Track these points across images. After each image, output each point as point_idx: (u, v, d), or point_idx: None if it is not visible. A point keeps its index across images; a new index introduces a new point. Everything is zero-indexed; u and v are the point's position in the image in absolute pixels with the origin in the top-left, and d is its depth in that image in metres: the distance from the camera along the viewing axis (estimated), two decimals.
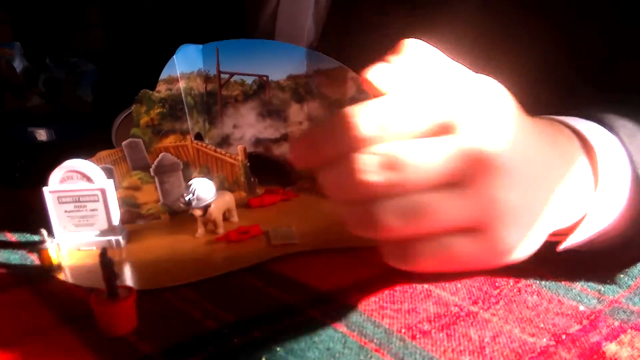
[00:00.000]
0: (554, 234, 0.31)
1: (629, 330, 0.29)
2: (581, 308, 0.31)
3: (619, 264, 0.34)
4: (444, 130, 0.27)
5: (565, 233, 0.32)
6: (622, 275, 0.34)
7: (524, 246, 0.29)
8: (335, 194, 0.28)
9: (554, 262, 0.33)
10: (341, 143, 0.27)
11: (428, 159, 0.26)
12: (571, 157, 0.30)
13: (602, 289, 0.33)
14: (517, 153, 0.27)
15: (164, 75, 0.45)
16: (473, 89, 0.28)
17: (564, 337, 0.28)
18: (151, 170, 0.45)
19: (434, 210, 0.27)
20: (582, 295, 0.32)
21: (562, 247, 0.32)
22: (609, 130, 0.32)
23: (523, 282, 0.34)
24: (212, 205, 0.41)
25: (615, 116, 0.32)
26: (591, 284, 0.33)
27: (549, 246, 0.31)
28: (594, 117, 0.32)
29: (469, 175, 0.26)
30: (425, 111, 0.27)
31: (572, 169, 0.30)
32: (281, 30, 0.55)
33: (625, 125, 0.32)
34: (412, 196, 0.27)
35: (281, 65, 0.48)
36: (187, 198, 0.40)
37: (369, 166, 0.26)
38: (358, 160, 0.26)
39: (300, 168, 0.31)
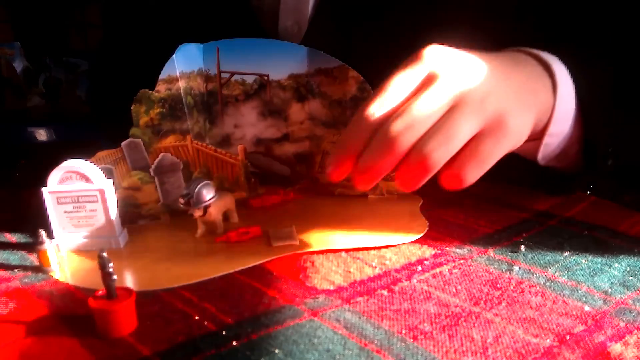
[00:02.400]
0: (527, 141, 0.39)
1: (635, 331, 0.28)
2: (586, 308, 0.30)
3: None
4: (430, 80, 0.35)
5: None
6: (630, 278, 0.34)
7: (522, 128, 0.36)
8: (380, 166, 0.34)
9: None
10: (366, 133, 0.34)
11: (429, 101, 0.34)
12: (535, 72, 0.40)
13: (609, 290, 0.32)
14: (489, 73, 0.36)
15: (163, 74, 0.44)
16: (447, 52, 0.36)
17: (568, 337, 0.28)
18: (151, 170, 0.44)
19: (456, 129, 0.33)
20: (588, 296, 0.32)
21: (542, 151, 0.42)
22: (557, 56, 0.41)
23: (526, 283, 0.33)
24: (212, 206, 0.41)
25: (555, 51, 0.42)
26: (598, 284, 0.33)
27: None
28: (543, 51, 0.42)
29: (460, 96, 0.34)
30: (415, 73, 0.35)
31: (537, 80, 0.39)
32: (286, 4, 0.55)
33: (566, 56, 0.42)
34: (437, 127, 0.33)
35: (282, 64, 0.48)
36: (186, 198, 0.40)
37: (396, 126, 0.33)
38: (390, 128, 0.33)
39: (339, 179, 0.37)
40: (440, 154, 0.33)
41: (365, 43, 0.52)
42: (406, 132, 0.33)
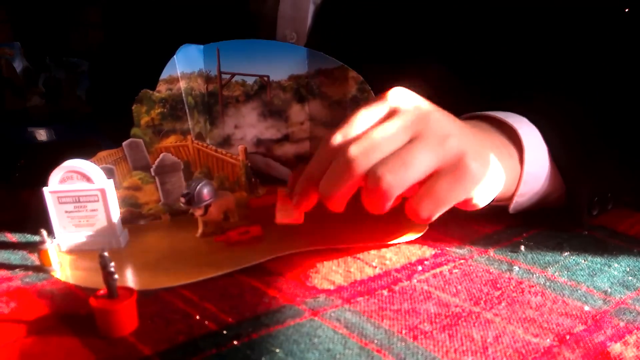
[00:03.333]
0: (497, 201, 0.40)
1: (635, 331, 0.28)
2: (586, 308, 0.31)
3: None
4: (392, 113, 0.35)
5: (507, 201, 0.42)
6: (630, 278, 0.34)
7: (486, 187, 0.35)
8: (339, 190, 0.34)
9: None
10: (327, 161, 0.35)
11: (388, 129, 0.34)
12: (499, 141, 0.40)
13: (609, 290, 0.32)
14: (448, 118, 0.36)
15: (164, 75, 0.44)
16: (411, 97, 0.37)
17: (568, 337, 0.28)
18: (152, 170, 0.44)
19: (412, 158, 0.33)
20: (588, 296, 0.32)
21: (512, 207, 0.42)
22: (524, 117, 0.42)
23: (526, 283, 0.33)
24: (213, 205, 0.41)
25: (525, 109, 0.43)
26: (597, 284, 0.33)
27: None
28: (511, 111, 0.43)
29: (420, 130, 0.34)
30: (379, 109, 0.36)
31: (501, 148, 0.40)
32: (284, 12, 0.55)
33: (536, 113, 0.42)
34: (393, 153, 0.33)
35: (282, 65, 0.48)
36: (187, 198, 0.40)
37: (352, 151, 0.34)
38: (347, 153, 0.34)
39: (308, 208, 0.38)
40: (393, 179, 0.33)
41: (365, 54, 0.52)
42: (362, 157, 0.33)
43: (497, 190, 0.37)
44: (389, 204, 0.34)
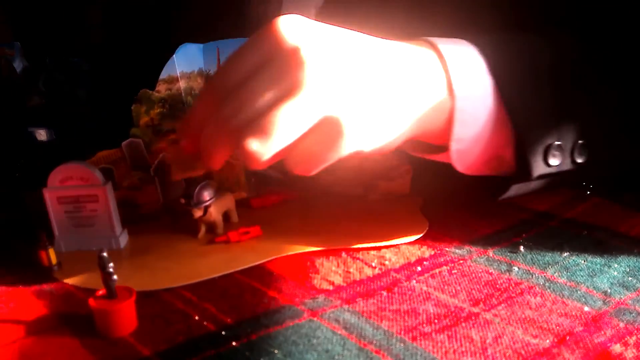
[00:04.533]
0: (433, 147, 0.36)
1: (635, 332, 0.28)
2: (586, 309, 0.31)
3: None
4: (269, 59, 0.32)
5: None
6: (630, 278, 0.34)
7: (366, 137, 0.32)
8: (213, 148, 0.33)
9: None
10: (205, 107, 0.33)
11: (259, 84, 0.31)
12: (425, 72, 0.35)
13: (609, 290, 0.32)
14: (337, 60, 0.32)
15: (164, 74, 0.44)
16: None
17: (567, 338, 0.28)
18: (151, 170, 0.44)
19: (276, 125, 0.30)
20: (588, 297, 0.32)
21: (453, 156, 0.36)
22: (474, 47, 0.37)
23: (526, 284, 0.33)
24: (212, 206, 0.41)
25: (483, 39, 0.37)
26: (597, 285, 0.33)
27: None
28: (467, 40, 0.37)
29: (293, 83, 0.31)
30: (258, 51, 0.32)
31: (423, 81, 0.35)
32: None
33: (489, 44, 0.37)
34: (260, 117, 0.31)
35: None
36: (187, 198, 0.40)
37: (225, 111, 0.32)
38: (219, 113, 0.32)
39: (191, 151, 0.35)
40: (257, 147, 0.30)
41: None
42: (231, 118, 0.31)
43: (397, 134, 0.34)
44: (263, 166, 0.32)
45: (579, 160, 0.38)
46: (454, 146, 0.36)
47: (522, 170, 0.37)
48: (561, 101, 0.37)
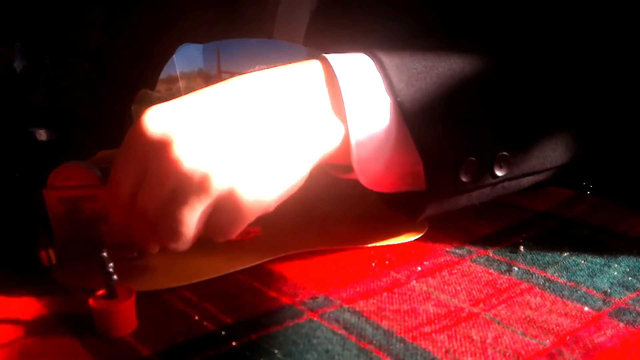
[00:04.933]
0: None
1: (635, 332, 0.28)
2: (586, 309, 0.31)
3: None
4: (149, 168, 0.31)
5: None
6: (630, 278, 0.34)
7: (264, 194, 0.32)
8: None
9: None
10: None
11: (148, 195, 0.31)
12: (310, 92, 0.34)
13: (609, 290, 0.32)
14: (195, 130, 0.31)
15: (163, 75, 0.44)
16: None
17: (567, 338, 0.28)
18: None
19: (180, 225, 0.31)
20: (587, 297, 0.32)
21: (356, 168, 0.35)
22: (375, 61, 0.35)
23: (526, 284, 0.33)
24: None
25: (386, 52, 0.36)
26: (597, 285, 0.33)
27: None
28: (370, 53, 0.36)
29: (176, 182, 0.30)
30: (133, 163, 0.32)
31: (309, 104, 0.34)
32: (282, 16, 0.55)
33: (393, 57, 0.35)
34: (163, 223, 0.31)
35: (282, 65, 0.48)
36: None
37: (135, 226, 0.33)
38: (132, 229, 0.33)
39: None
40: (176, 246, 0.32)
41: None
42: (143, 231, 0.32)
43: (297, 176, 0.33)
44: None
45: (500, 174, 0.36)
46: (358, 166, 0.35)
47: (433, 188, 0.35)
48: (473, 112, 0.36)
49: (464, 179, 0.35)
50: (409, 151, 0.35)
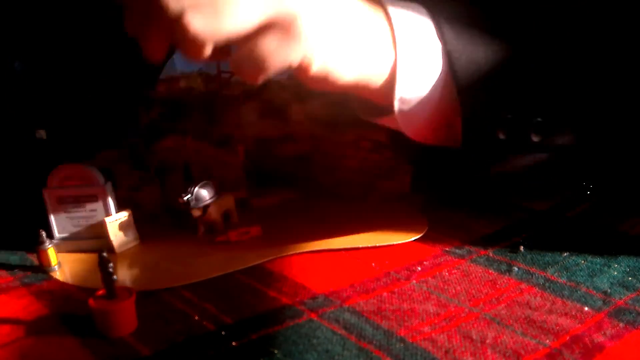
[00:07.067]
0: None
1: (635, 332, 0.28)
2: (586, 309, 0.30)
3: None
4: None
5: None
6: (630, 278, 0.34)
7: (328, 55, 0.31)
8: (145, 29, 0.30)
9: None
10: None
11: None
12: (371, 21, 0.34)
13: (609, 290, 0.32)
14: None
15: (163, 75, 0.44)
16: None
17: (567, 338, 0.28)
18: (151, 170, 0.44)
19: (230, 6, 0.28)
20: (587, 297, 0.32)
21: (399, 116, 0.35)
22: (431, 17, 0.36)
23: (525, 284, 0.33)
24: (212, 206, 0.41)
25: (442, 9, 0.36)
26: (597, 285, 0.33)
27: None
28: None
29: None
30: None
31: (369, 22, 0.34)
32: None
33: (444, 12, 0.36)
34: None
35: None
36: (186, 198, 0.40)
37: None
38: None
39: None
40: (203, 27, 0.28)
41: None
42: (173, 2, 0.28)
43: (349, 66, 0.32)
44: (205, 56, 0.29)
45: (535, 139, 0.36)
46: (399, 106, 0.35)
47: (468, 143, 0.36)
48: (517, 74, 0.36)
49: (501, 136, 0.35)
50: (449, 100, 0.35)
